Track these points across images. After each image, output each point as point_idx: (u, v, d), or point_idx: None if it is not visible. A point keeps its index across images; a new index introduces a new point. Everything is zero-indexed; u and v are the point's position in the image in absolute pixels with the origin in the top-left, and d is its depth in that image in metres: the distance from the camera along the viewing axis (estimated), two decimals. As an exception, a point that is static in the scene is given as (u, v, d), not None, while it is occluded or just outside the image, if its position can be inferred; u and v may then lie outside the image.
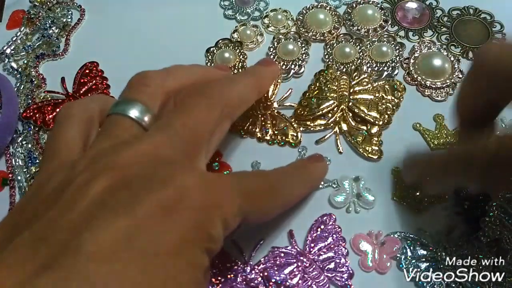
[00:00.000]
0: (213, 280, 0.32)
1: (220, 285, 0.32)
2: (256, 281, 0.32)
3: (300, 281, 0.32)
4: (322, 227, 0.34)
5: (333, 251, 0.33)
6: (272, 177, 0.30)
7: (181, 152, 0.25)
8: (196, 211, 0.22)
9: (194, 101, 0.27)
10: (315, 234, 0.33)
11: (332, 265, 0.32)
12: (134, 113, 0.26)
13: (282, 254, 0.33)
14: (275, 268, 0.32)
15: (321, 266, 0.32)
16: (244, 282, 0.32)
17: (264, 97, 0.40)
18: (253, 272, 0.32)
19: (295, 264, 0.32)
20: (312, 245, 0.33)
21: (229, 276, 0.32)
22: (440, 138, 0.38)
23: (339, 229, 0.34)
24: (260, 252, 0.33)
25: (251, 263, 0.33)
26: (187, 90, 0.29)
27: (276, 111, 0.39)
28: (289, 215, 0.35)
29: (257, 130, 0.39)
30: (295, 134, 0.38)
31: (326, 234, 0.33)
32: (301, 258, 0.33)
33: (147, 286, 0.19)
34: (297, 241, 0.33)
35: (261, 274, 0.32)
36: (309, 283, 0.32)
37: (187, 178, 0.22)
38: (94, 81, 0.42)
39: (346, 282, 0.32)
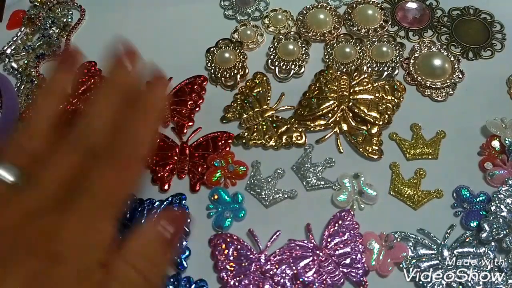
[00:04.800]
0: (228, 267, 0.32)
1: (234, 272, 0.32)
2: (271, 272, 0.32)
3: (315, 275, 0.32)
4: (340, 222, 0.34)
5: (350, 246, 0.33)
6: None
7: None
8: None
9: None
10: (332, 229, 0.34)
11: (348, 261, 0.32)
12: None
13: (298, 247, 0.33)
14: (291, 260, 0.32)
15: (337, 261, 0.33)
16: (258, 272, 0.32)
17: (259, 104, 0.39)
18: (268, 263, 0.32)
19: (311, 258, 0.32)
20: (329, 239, 0.33)
21: (243, 264, 0.32)
22: (416, 148, 0.38)
23: (357, 226, 0.34)
24: (276, 244, 0.33)
25: (266, 253, 0.33)
26: None
27: (274, 115, 0.39)
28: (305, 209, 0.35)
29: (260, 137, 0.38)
30: (299, 134, 0.38)
31: (344, 229, 0.34)
32: (317, 252, 0.33)
33: None
34: (314, 235, 0.34)
35: (276, 266, 0.32)
36: (324, 277, 0.32)
37: None
38: (92, 80, 0.42)
39: (362, 278, 0.32)
